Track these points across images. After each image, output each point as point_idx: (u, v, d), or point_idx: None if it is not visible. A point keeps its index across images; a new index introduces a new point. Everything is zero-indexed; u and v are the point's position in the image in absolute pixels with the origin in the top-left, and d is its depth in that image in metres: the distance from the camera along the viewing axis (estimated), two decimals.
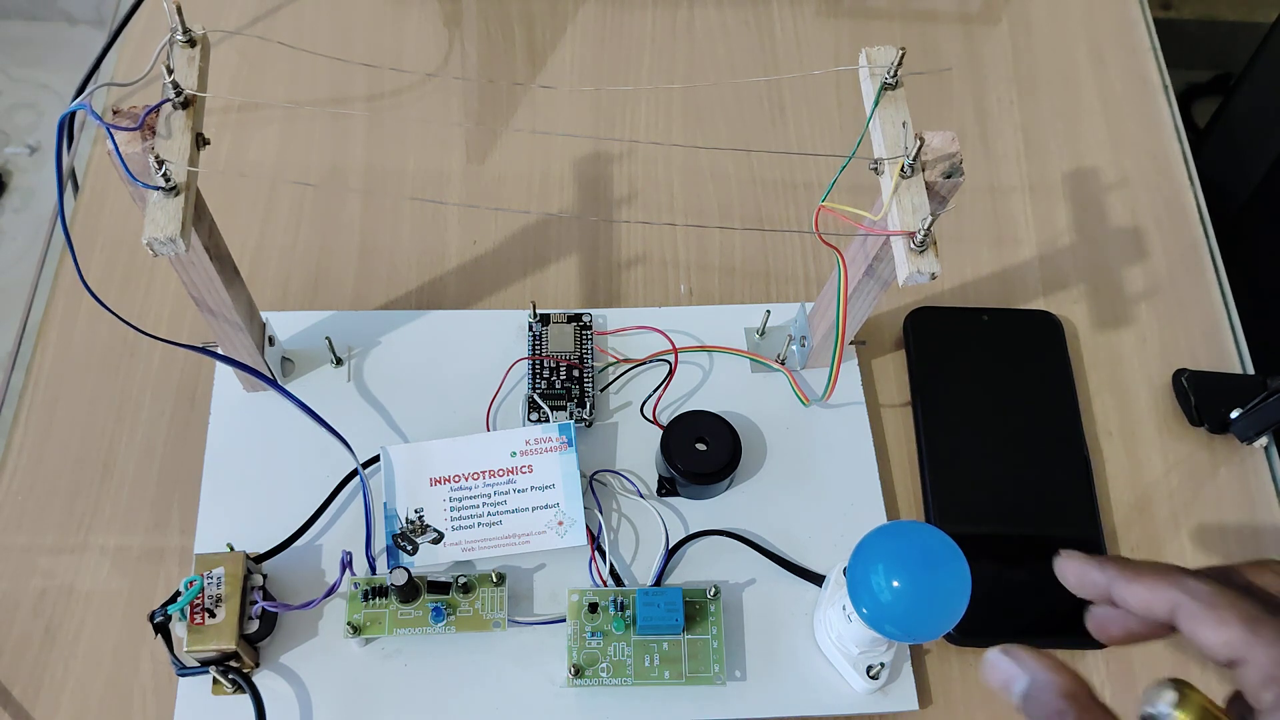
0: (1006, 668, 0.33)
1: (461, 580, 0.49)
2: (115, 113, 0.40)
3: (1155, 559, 0.54)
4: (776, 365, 0.57)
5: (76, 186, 0.64)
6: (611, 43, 0.72)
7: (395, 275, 0.61)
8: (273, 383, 0.52)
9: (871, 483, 0.55)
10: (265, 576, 0.49)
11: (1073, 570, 0.35)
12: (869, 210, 0.44)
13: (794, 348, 0.57)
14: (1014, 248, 0.65)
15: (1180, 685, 0.31)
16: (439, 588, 0.49)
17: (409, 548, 0.51)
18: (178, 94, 0.40)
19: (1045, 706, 0.32)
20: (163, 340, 0.49)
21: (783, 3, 0.74)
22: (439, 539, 0.51)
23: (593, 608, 0.49)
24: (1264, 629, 0.30)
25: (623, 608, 0.49)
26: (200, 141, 0.41)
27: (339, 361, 0.56)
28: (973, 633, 0.52)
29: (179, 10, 0.41)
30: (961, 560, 0.43)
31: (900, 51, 0.42)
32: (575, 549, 0.52)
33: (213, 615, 0.46)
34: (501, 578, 0.50)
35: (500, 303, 0.61)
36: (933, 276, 0.40)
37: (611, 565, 0.52)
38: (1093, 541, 0.54)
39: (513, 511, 0.52)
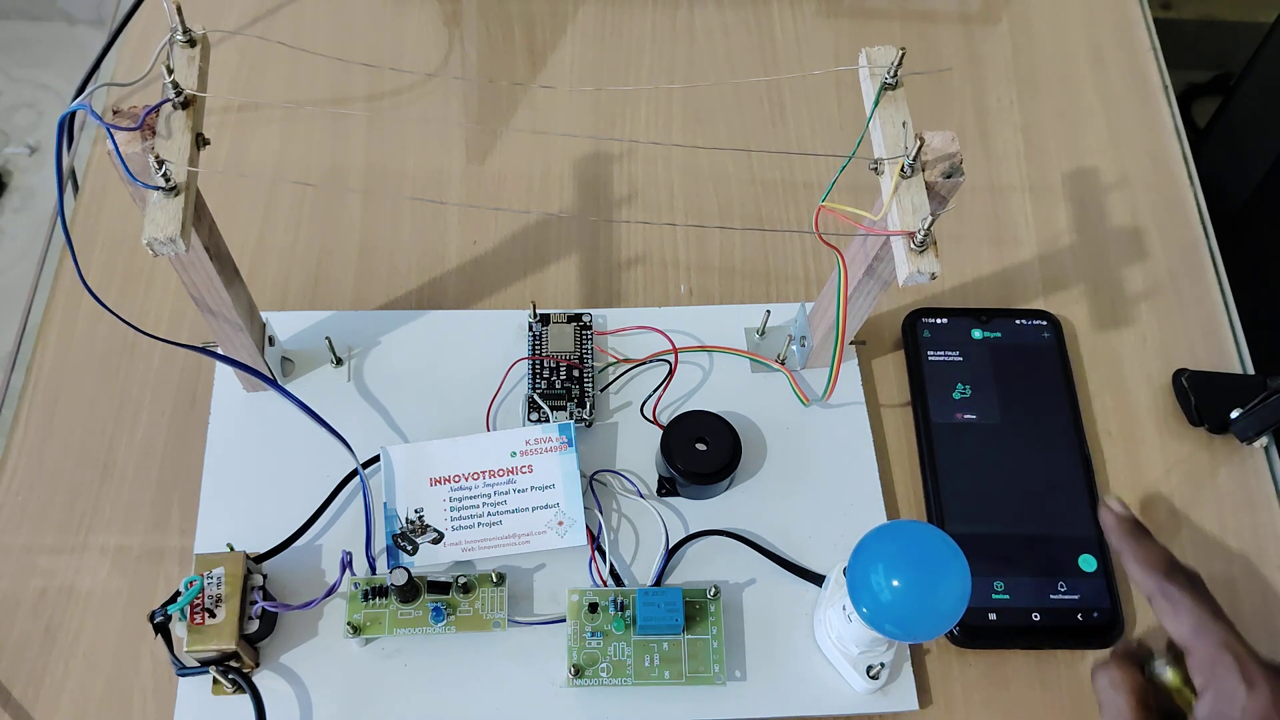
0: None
1: (461, 580, 0.49)
2: (115, 113, 0.40)
3: None
4: (776, 365, 0.57)
5: (76, 186, 0.64)
6: (611, 43, 0.72)
7: (395, 275, 0.61)
8: (273, 383, 0.52)
9: (871, 483, 0.55)
10: (265, 576, 0.49)
11: (1104, 522, 0.48)
12: (869, 210, 0.44)
13: (794, 348, 0.57)
14: (1014, 248, 0.65)
15: (1175, 655, 0.43)
16: (439, 588, 0.49)
17: (409, 548, 0.51)
18: (178, 94, 0.40)
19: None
20: (163, 340, 0.49)
21: (783, 3, 0.74)
22: (439, 539, 0.51)
23: (593, 608, 0.49)
24: (1206, 630, 0.42)
25: (623, 608, 0.49)
26: (200, 141, 0.41)
27: (339, 361, 0.56)
28: (973, 633, 0.52)
29: (179, 10, 0.41)
30: (961, 560, 0.43)
31: (900, 51, 0.42)
32: (575, 549, 0.52)
33: (213, 615, 0.46)
34: (501, 578, 0.50)
35: (500, 303, 0.61)
36: (933, 276, 0.40)
37: (611, 565, 0.52)
38: (1093, 542, 0.54)
39: (513, 511, 0.52)
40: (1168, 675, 0.44)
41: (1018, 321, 0.60)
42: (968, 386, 0.58)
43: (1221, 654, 0.41)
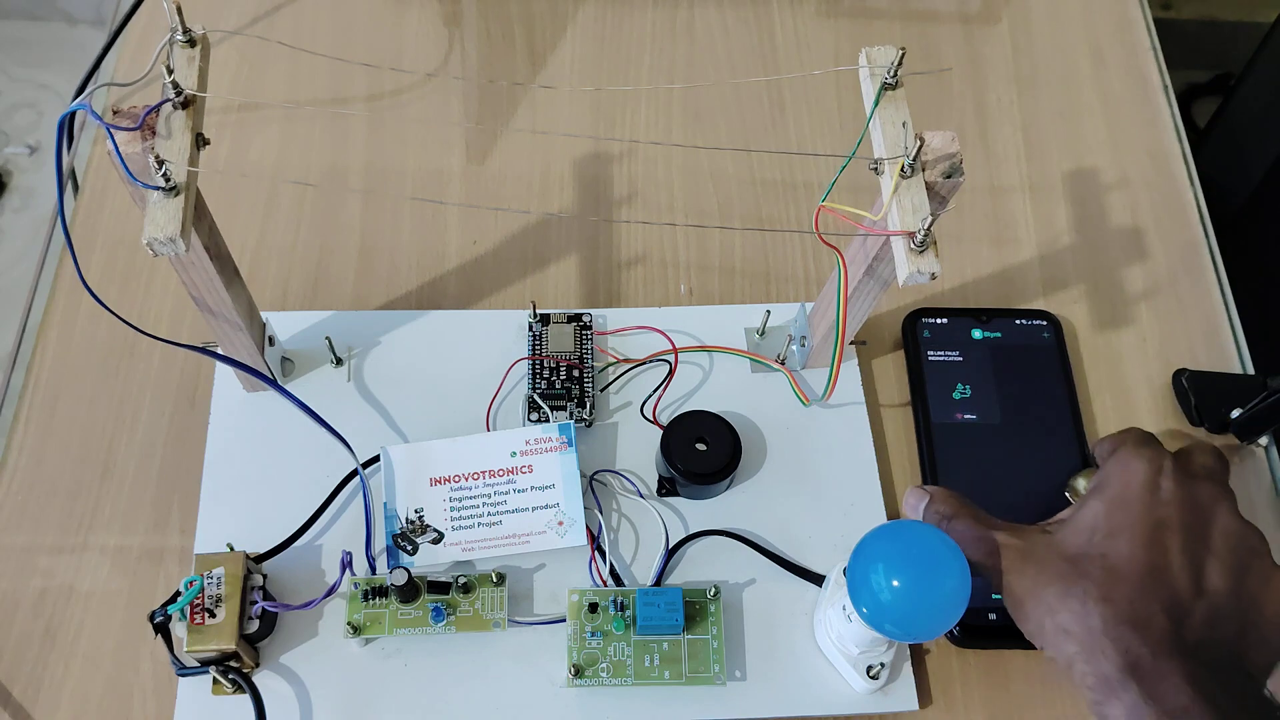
0: (914, 497, 0.49)
1: (461, 580, 0.49)
2: (115, 113, 0.40)
3: None
4: (776, 365, 0.57)
5: (76, 186, 0.64)
6: (611, 43, 0.72)
7: (395, 275, 0.61)
8: (273, 383, 0.52)
9: (871, 483, 0.55)
10: (265, 576, 0.49)
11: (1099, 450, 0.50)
12: (869, 210, 0.44)
13: (794, 348, 0.57)
14: (1014, 248, 0.65)
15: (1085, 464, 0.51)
16: (439, 588, 0.49)
17: (409, 548, 0.51)
18: (178, 94, 0.40)
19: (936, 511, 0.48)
20: (163, 340, 0.49)
21: (783, 3, 0.74)
22: (439, 539, 0.51)
23: (593, 608, 0.49)
24: (1127, 442, 0.47)
25: (623, 608, 0.49)
26: (200, 141, 0.41)
27: (339, 361, 0.56)
28: (973, 633, 0.52)
29: (179, 10, 0.41)
30: (961, 560, 0.43)
31: (900, 51, 0.42)
32: (575, 549, 0.52)
33: (213, 615, 0.46)
34: (501, 578, 0.50)
35: (500, 303, 0.61)
36: (933, 276, 0.40)
37: (611, 565, 0.52)
38: None
39: (513, 511, 0.52)
40: (1080, 482, 0.52)
41: (1018, 321, 0.60)
42: (968, 386, 0.58)
43: (1130, 445, 0.46)
